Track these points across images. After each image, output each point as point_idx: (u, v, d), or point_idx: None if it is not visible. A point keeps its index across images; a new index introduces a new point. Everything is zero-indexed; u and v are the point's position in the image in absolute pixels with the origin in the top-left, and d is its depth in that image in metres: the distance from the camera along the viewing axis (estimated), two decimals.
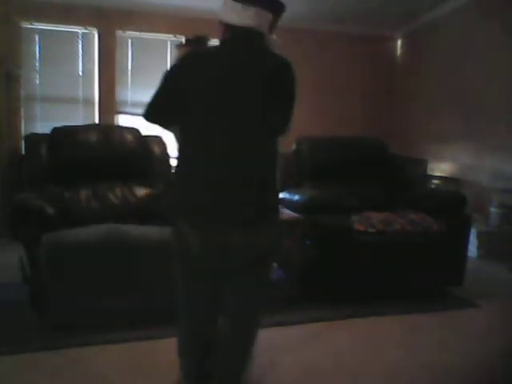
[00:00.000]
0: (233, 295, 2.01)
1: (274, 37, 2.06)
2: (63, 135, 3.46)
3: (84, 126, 4.04)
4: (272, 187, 1.96)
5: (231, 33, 1.95)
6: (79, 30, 5.48)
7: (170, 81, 1.94)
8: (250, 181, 1.87)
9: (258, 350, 2.63)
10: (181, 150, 1.98)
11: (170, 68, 1.99)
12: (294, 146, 4.25)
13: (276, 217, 2.01)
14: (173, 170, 2.77)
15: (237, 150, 1.87)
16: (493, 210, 4.88)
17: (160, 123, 2.06)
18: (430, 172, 5.82)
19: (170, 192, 2.25)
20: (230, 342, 2.05)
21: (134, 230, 2.88)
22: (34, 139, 3.51)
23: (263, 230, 1.91)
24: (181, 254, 2.00)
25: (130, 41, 5.69)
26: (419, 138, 6.20)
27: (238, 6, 1.91)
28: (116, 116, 5.70)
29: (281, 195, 4.10)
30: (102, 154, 3.44)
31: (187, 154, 1.95)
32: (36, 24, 5.32)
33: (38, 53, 5.38)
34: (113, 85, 5.63)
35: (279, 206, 2.17)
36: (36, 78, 5.41)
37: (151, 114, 1.99)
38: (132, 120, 5.61)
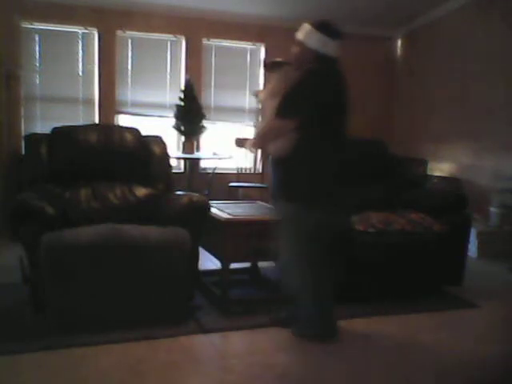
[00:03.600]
0: None
1: None
2: (63, 135, 3.45)
3: (84, 125, 4.03)
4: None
5: (320, 59, 2.60)
6: (79, 30, 5.48)
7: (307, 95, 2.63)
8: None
9: (258, 350, 2.63)
10: (311, 146, 2.67)
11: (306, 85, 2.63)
12: None
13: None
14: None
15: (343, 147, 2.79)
16: (493, 209, 4.88)
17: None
18: (430, 172, 5.82)
19: None
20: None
21: (134, 229, 2.88)
22: (34, 139, 3.50)
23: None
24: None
25: (130, 41, 5.69)
26: (419, 138, 6.20)
27: (325, 38, 2.60)
28: (116, 116, 5.70)
29: None
30: (102, 154, 3.44)
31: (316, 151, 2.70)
32: (36, 24, 5.32)
33: (38, 53, 5.37)
34: (113, 85, 5.63)
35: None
36: (36, 78, 5.41)
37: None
38: (132, 120, 5.62)
